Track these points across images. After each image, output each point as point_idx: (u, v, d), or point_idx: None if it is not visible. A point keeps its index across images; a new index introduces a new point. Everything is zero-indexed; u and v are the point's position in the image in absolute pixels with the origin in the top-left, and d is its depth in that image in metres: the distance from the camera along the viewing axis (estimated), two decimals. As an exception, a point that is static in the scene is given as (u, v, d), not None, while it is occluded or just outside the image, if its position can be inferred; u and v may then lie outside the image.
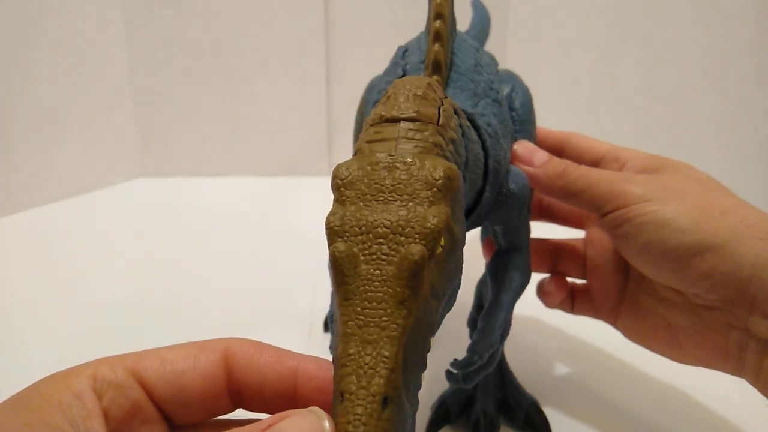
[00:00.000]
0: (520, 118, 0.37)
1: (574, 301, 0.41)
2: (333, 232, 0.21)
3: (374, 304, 0.19)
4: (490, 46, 0.44)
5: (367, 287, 0.20)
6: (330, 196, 0.23)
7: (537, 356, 0.46)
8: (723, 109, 0.75)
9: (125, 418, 0.20)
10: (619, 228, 0.33)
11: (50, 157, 0.74)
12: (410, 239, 0.20)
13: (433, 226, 0.20)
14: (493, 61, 0.38)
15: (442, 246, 0.21)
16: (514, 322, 0.36)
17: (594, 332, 0.46)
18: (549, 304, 0.41)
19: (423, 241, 0.20)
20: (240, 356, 0.21)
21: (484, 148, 0.31)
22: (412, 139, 0.24)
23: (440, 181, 0.22)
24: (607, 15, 0.79)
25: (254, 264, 0.61)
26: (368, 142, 0.24)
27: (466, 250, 0.24)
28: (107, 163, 0.81)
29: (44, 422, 0.18)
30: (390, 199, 0.21)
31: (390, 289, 0.19)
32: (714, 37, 0.73)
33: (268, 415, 0.19)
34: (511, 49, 0.84)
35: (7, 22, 0.67)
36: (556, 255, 0.41)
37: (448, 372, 0.33)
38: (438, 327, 0.22)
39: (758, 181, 0.73)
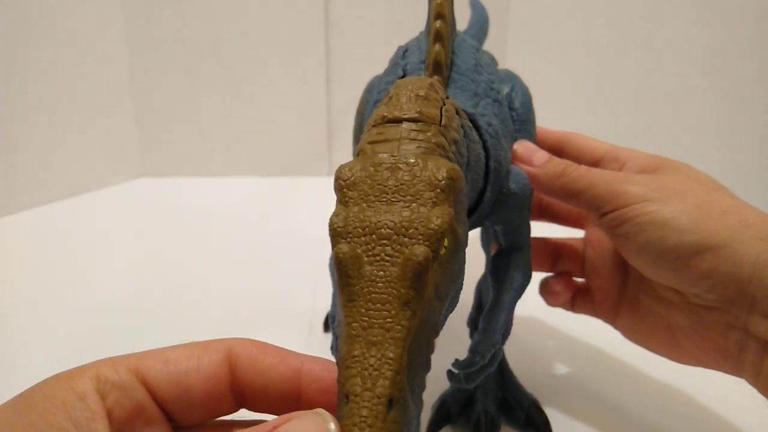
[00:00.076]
0: (520, 118, 0.37)
1: (575, 299, 0.41)
2: (336, 234, 0.21)
3: (378, 305, 0.19)
4: (490, 46, 0.44)
5: (371, 288, 0.19)
6: (330, 196, 0.23)
7: (537, 356, 0.47)
8: (723, 109, 0.75)
9: (129, 419, 0.19)
10: (619, 228, 0.33)
11: (50, 157, 0.74)
12: (414, 240, 0.20)
13: (436, 227, 0.20)
14: (492, 61, 0.38)
15: (445, 247, 0.21)
16: (514, 322, 0.36)
17: (594, 332, 0.46)
18: (552, 302, 0.41)
19: (427, 242, 0.20)
20: (244, 356, 0.21)
21: (485, 148, 0.31)
22: (415, 139, 0.24)
23: (443, 182, 0.21)
24: (607, 15, 0.79)
25: (254, 264, 0.61)
26: (371, 142, 0.24)
27: (466, 250, 0.24)
28: (107, 163, 0.81)
29: (48, 423, 0.18)
30: (393, 200, 0.21)
31: (394, 291, 0.19)
32: (714, 37, 0.73)
33: (271, 416, 0.19)
34: (511, 49, 0.84)
35: (7, 22, 0.67)
36: (556, 254, 0.41)
37: (449, 372, 0.33)
38: (441, 328, 0.22)
39: (758, 181, 0.73)
